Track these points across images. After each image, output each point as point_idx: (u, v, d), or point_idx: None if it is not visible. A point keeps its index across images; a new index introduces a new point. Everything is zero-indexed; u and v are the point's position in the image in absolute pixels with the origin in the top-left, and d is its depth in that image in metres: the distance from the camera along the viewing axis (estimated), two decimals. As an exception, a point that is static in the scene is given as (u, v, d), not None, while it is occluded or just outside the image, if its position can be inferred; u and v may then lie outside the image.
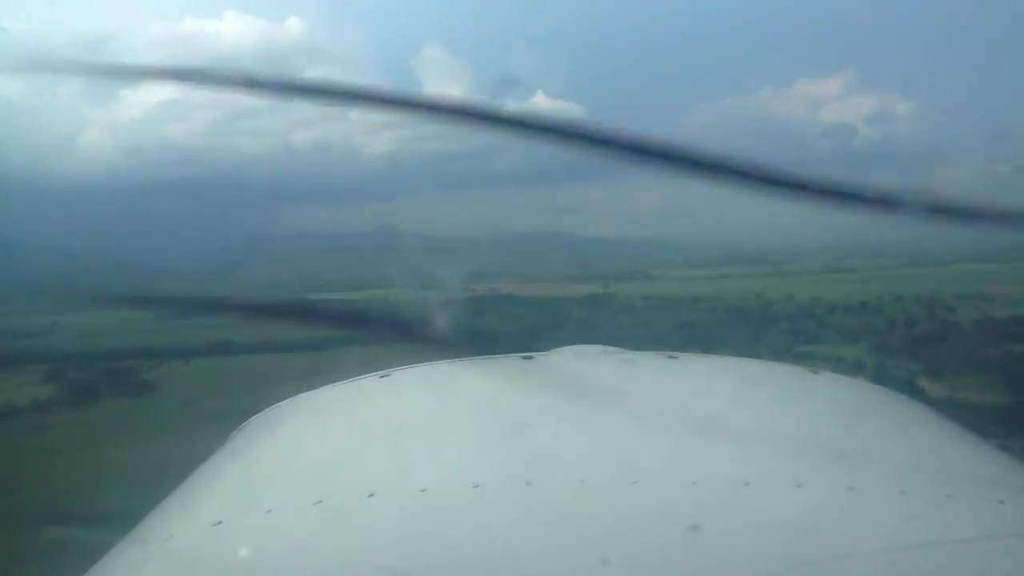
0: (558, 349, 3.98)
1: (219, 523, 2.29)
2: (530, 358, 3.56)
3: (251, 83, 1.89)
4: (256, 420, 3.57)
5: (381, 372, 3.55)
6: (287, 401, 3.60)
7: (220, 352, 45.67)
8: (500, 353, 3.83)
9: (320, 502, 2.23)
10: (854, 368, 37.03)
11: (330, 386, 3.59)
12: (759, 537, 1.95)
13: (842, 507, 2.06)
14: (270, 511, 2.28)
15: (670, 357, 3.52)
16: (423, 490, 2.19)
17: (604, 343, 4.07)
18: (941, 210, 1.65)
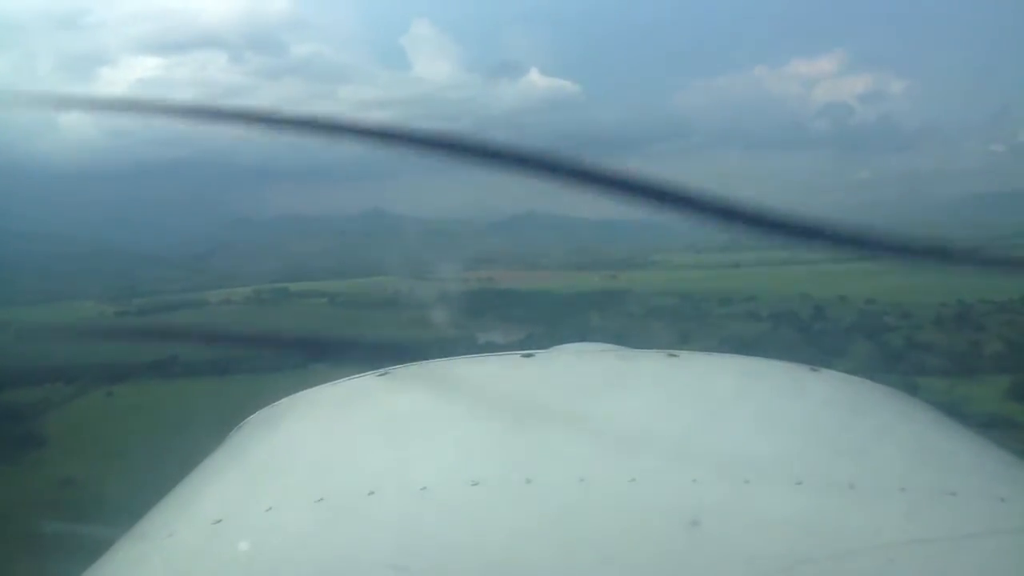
0: (558, 347, 3.78)
1: (219, 521, 2.31)
2: (530, 355, 3.39)
3: (237, 116, 2.04)
4: (256, 418, 3.48)
5: (380, 370, 3.43)
6: (286, 399, 3.49)
7: (160, 373, 39.11)
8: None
9: (320, 500, 2.25)
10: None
11: (329, 384, 3.47)
12: (760, 535, 1.96)
13: (843, 504, 2.07)
14: (270, 509, 2.29)
15: (670, 355, 3.36)
16: (423, 488, 2.21)
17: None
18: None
